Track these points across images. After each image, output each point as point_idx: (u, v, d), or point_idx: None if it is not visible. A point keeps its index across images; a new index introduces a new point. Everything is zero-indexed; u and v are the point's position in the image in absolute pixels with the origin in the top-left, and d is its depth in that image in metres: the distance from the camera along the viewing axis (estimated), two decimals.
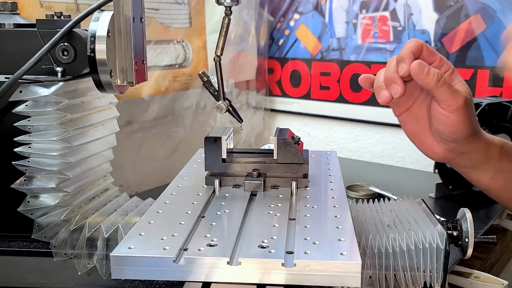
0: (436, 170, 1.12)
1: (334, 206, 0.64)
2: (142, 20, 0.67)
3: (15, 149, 0.66)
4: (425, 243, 0.60)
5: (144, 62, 0.69)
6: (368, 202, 0.75)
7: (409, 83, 0.70)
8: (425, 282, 0.61)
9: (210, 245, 0.52)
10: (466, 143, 0.70)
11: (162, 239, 0.53)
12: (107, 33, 0.62)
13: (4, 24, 0.69)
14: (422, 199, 0.72)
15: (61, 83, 0.66)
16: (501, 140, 0.75)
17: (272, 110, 1.76)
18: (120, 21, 0.63)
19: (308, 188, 0.70)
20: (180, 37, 1.35)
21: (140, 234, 0.55)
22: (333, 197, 0.67)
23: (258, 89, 1.71)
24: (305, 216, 0.60)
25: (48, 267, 0.67)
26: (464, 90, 0.68)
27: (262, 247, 0.52)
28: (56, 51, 0.66)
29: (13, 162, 0.66)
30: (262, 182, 0.70)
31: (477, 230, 0.92)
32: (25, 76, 0.65)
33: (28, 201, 0.67)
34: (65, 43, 0.66)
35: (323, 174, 0.77)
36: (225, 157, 0.72)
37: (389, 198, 0.77)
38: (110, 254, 0.50)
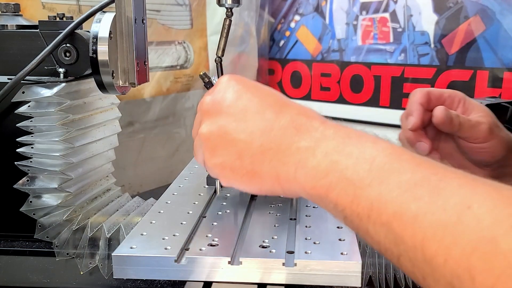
0: None
1: None
2: (144, 21, 0.67)
3: (17, 150, 0.66)
4: None
5: (146, 63, 0.69)
6: None
7: (429, 128, 0.68)
8: None
9: (211, 245, 0.53)
10: (509, 157, 0.68)
11: (163, 239, 0.54)
12: (109, 34, 0.62)
13: (7, 25, 0.69)
14: None
15: (63, 84, 0.67)
16: None
17: None
18: (122, 23, 0.64)
19: None
20: (181, 39, 1.35)
21: (141, 234, 0.55)
22: None
23: None
24: (306, 216, 0.61)
25: (50, 266, 0.67)
26: (481, 114, 0.67)
27: (263, 247, 0.52)
28: (58, 52, 0.67)
29: (15, 163, 0.67)
30: None
31: None
32: (27, 77, 0.65)
33: (31, 201, 0.67)
34: (68, 44, 0.66)
35: None
36: None
37: None
38: (112, 254, 0.51)
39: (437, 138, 0.70)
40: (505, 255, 0.30)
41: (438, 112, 0.64)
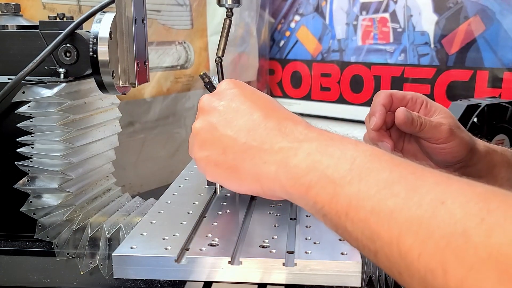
0: None
1: None
2: (144, 21, 0.68)
3: (18, 150, 0.66)
4: None
5: (146, 63, 0.69)
6: None
7: (392, 129, 0.71)
8: None
9: (212, 245, 0.53)
10: (469, 157, 0.70)
11: (163, 239, 0.54)
12: (109, 34, 0.62)
13: (7, 25, 0.69)
14: None
15: (63, 84, 0.67)
16: (502, 148, 0.75)
17: None
18: (122, 23, 0.64)
19: None
20: (181, 39, 1.35)
21: (142, 234, 0.55)
22: None
23: (259, 90, 1.71)
24: (306, 216, 0.61)
25: (50, 266, 0.67)
26: (442, 116, 0.69)
27: (263, 247, 0.52)
28: (58, 52, 0.67)
29: (16, 163, 0.67)
30: None
31: None
32: (28, 77, 0.65)
33: (31, 201, 0.68)
34: (68, 45, 0.67)
35: None
36: None
37: None
38: (112, 254, 0.51)
39: (401, 139, 0.73)
40: (476, 248, 0.30)
41: (400, 113, 0.66)
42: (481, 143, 0.72)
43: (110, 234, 0.65)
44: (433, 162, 0.72)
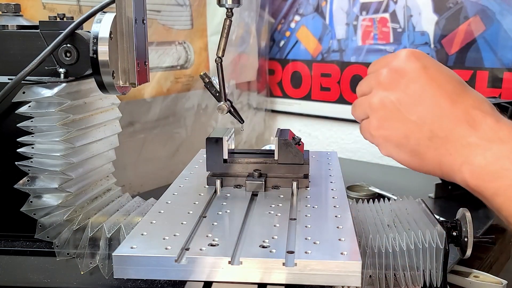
0: None
1: (334, 206, 0.64)
2: (144, 21, 0.68)
3: (18, 150, 0.66)
4: (424, 243, 0.60)
5: (146, 63, 0.69)
6: (368, 202, 0.76)
7: None
8: (424, 282, 0.61)
9: (212, 245, 0.53)
10: None
11: (164, 238, 0.54)
12: (110, 34, 0.62)
13: (7, 25, 0.69)
14: (422, 199, 0.72)
15: (63, 84, 0.67)
16: None
17: (273, 111, 1.77)
18: (122, 23, 0.64)
19: (308, 188, 0.71)
20: (181, 39, 1.35)
21: (142, 234, 0.55)
22: (333, 197, 0.67)
23: (259, 90, 1.71)
24: (306, 216, 0.61)
25: (51, 266, 0.67)
26: None
27: (263, 247, 0.52)
28: (59, 52, 0.67)
29: (16, 163, 0.67)
30: (263, 182, 0.70)
31: (476, 230, 0.92)
32: (28, 77, 0.65)
33: (31, 201, 0.68)
34: (68, 45, 0.67)
35: (323, 175, 0.78)
36: (226, 157, 0.72)
37: (389, 198, 0.78)
38: (113, 254, 0.51)
39: None
40: None
41: None
42: None
43: (110, 234, 0.65)
44: None
